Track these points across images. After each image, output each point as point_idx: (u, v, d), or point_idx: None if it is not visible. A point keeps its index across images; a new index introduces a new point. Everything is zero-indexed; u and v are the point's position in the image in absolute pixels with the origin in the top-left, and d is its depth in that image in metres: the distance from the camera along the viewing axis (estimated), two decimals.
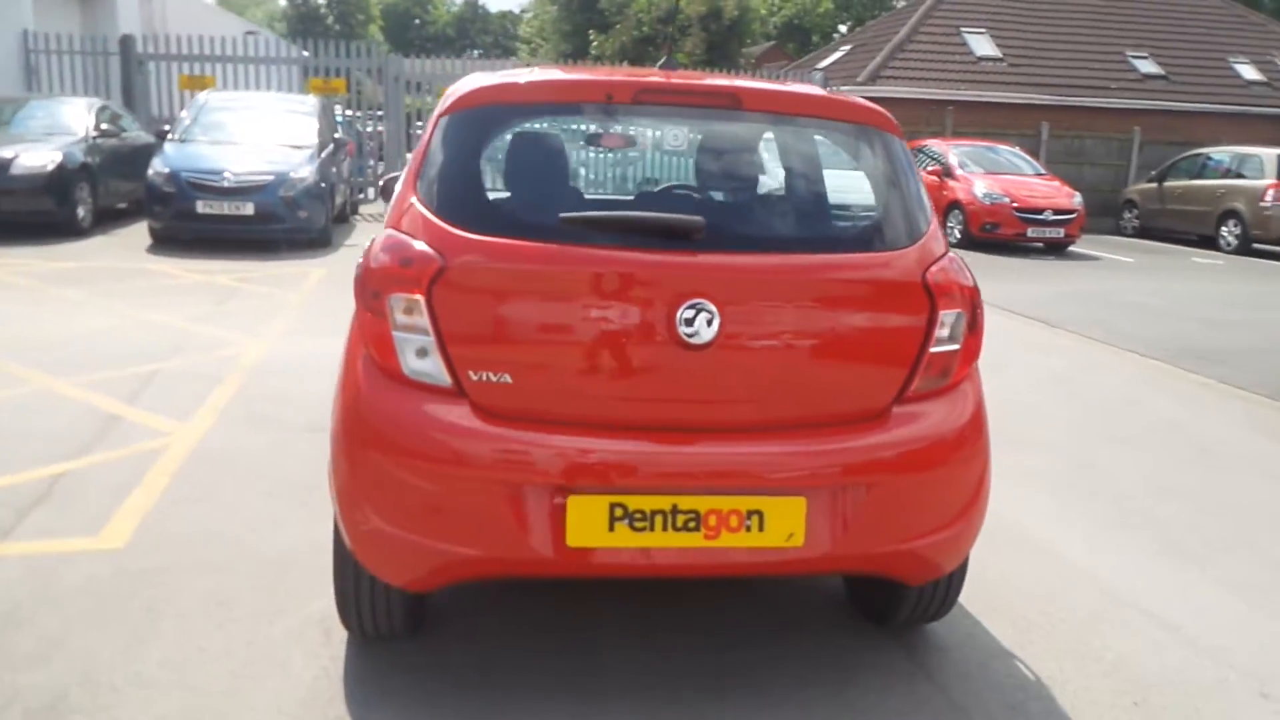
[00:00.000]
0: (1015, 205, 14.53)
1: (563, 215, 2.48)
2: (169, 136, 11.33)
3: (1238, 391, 6.75)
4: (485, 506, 2.41)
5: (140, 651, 2.83)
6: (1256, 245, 15.69)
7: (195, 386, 5.48)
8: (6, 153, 10.31)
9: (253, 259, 10.06)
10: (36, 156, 10.40)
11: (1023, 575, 3.58)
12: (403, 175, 2.76)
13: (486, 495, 2.41)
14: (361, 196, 15.73)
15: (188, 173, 10.35)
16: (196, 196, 10.27)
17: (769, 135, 2.78)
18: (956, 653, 3.07)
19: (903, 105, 17.94)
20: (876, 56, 20.95)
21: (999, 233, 14.54)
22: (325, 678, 2.74)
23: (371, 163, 16.88)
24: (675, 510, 2.44)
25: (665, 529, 2.44)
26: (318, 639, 2.94)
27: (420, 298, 2.41)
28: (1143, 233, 18.07)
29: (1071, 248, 15.09)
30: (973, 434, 2.69)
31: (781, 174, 2.79)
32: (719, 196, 2.84)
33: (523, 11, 63.76)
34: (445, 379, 2.43)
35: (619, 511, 2.42)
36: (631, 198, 2.77)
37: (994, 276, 10.84)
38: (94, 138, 11.49)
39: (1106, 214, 18.40)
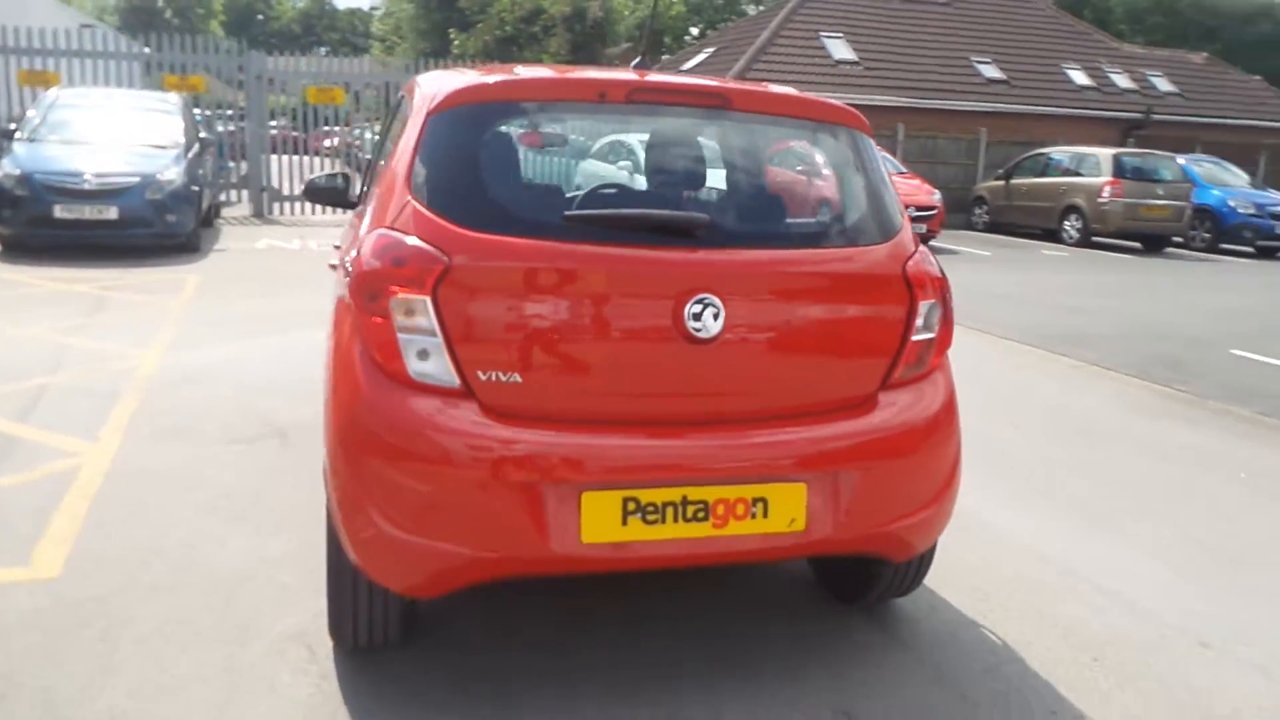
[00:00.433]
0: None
1: (568, 213, 2.47)
2: (15, 136, 10.53)
3: (1107, 373, 7.27)
4: (499, 507, 2.38)
5: (105, 684, 2.65)
6: (1095, 238, 16.89)
7: (91, 402, 5.14)
8: None
9: (117, 266, 9.47)
10: None
11: (966, 550, 3.77)
12: (389, 173, 2.68)
13: (500, 496, 2.38)
14: (224, 200, 15.02)
15: (42, 175, 9.64)
16: (53, 200, 9.58)
17: (757, 134, 2.85)
18: (926, 624, 3.22)
19: None
20: (740, 59, 21.44)
21: None
22: (319, 693, 2.64)
23: (230, 164, 16.15)
24: (685, 501, 2.47)
25: (676, 520, 2.47)
26: (301, 655, 2.82)
27: (426, 298, 2.36)
28: (992, 227, 19.16)
29: (933, 242, 15.86)
30: (948, 417, 2.83)
31: (779, 171, 2.86)
32: (715, 194, 2.89)
33: (373, 8, 62.16)
34: (453, 380, 2.38)
35: (631, 505, 2.44)
36: (628, 194, 2.78)
37: None
38: None
39: (959, 210, 19.41)
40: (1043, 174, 18.28)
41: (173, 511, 3.80)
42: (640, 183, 2.84)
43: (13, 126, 10.83)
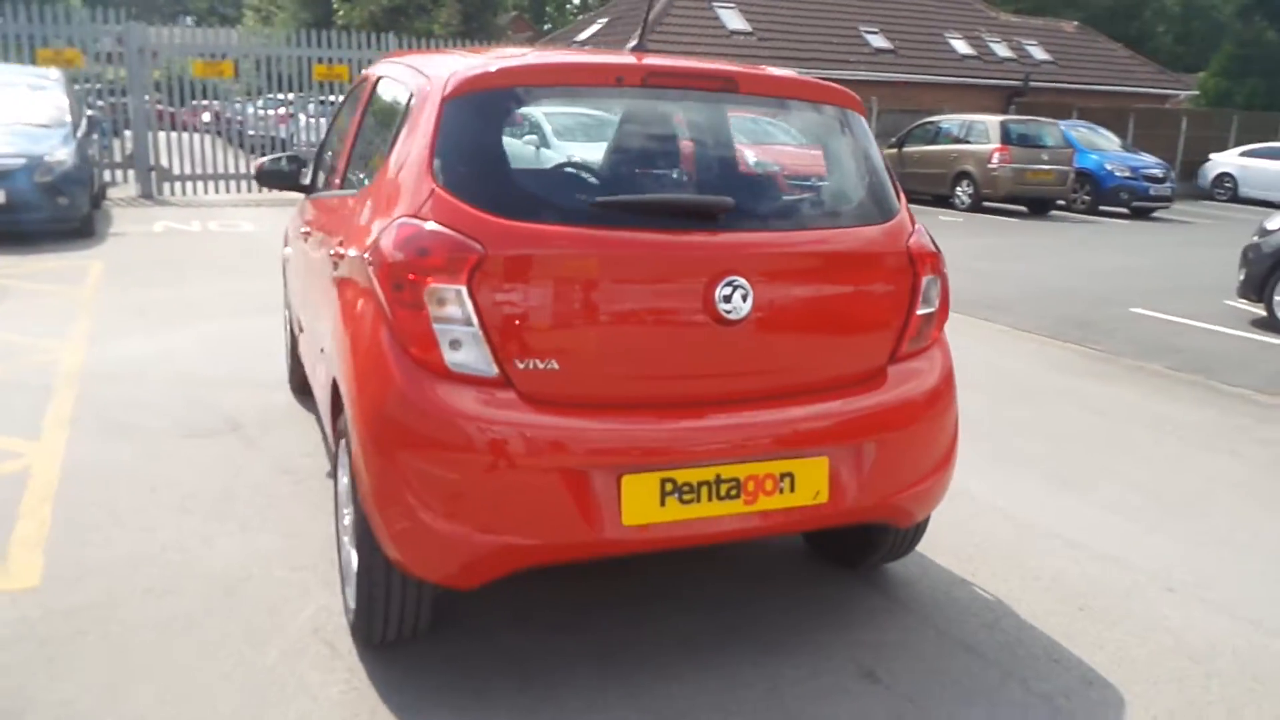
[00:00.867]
0: (787, 174, 15.42)
1: (599, 199, 2.47)
2: None
3: (1027, 335, 7.63)
4: (541, 494, 2.39)
5: (127, 693, 2.56)
6: (985, 203, 17.57)
7: (22, 398, 4.87)
8: None
9: (9, 254, 8.89)
10: None
11: (940, 513, 3.93)
12: (398, 159, 2.62)
13: (541, 483, 2.38)
14: (109, 180, 14.24)
15: None
16: None
17: (775, 116, 2.89)
18: (921, 585, 3.36)
19: None
20: (636, 31, 21.38)
21: None
22: (353, 691, 2.60)
23: (105, 142, 15.27)
24: (718, 480, 2.53)
25: (710, 499, 2.52)
26: (323, 652, 2.77)
27: (462, 288, 2.33)
28: None
29: None
30: (949, 388, 2.95)
31: (788, 153, 2.91)
32: (731, 175, 2.92)
33: None
34: (491, 369, 2.37)
35: (669, 486, 2.48)
36: (648, 178, 2.78)
37: None
38: None
39: None
40: (933, 142, 18.86)
41: (146, 512, 3.66)
42: (655, 165, 2.83)
43: None
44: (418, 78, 2.78)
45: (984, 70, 24.14)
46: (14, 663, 2.67)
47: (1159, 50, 34.62)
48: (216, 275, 8.47)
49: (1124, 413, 5.64)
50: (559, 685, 2.67)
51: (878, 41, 23.62)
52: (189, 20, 57.71)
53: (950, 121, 19.04)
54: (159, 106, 15.54)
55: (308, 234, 3.71)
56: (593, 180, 2.62)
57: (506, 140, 2.50)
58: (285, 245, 4.88)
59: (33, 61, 13.16)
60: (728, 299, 2.48)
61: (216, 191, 14.81)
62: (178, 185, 14.60)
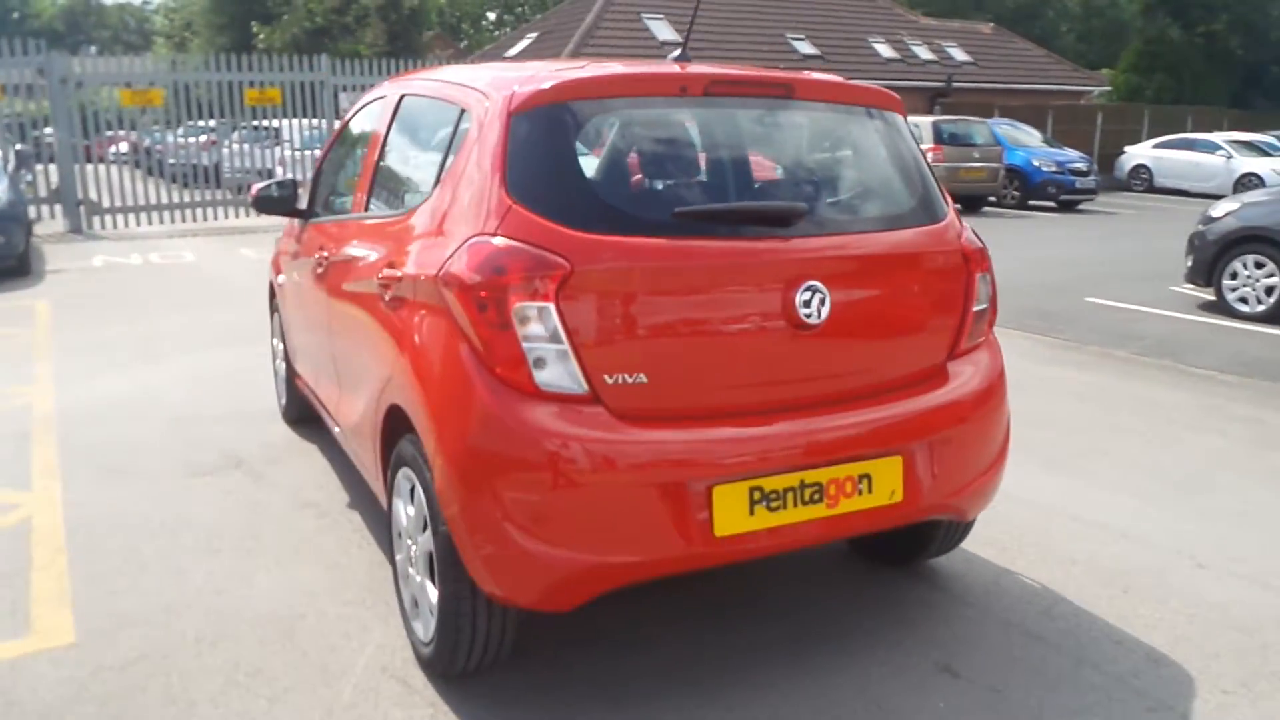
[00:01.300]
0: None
1: (678, 209, 2.46)
2: None
3: (995, 328, 7.79)
4: (637, 510, 2.36)
5: None
6: None
7: (1, 446, 4.65)
8: None
9: None
10: None
11: None
12: (458, 177, 2.57)
13: (637, 498, 2.36)
14: (34, 216, 13.69)
15: None
16: None
17: (822, 121, 2.91)
18: (969, 577, 3.41)
19: None
20: (568, 44, 21.42)
21: None
22: None
23: (30, 177, 14.69)
24: (803, 485, 2.53)
25: (796, 505, 2.52)
26: (397, 689, 2.69)
27: (550, 305, 2.30)
28: None
29: None
30: (1003, 382, 3.00)
31: (845, 157, 2.93)
32: (798, 181, 2.93)
33: (145, 3, 57.84)
34: (581, 386, 2.33)
35: (757, 495, 2.47)
36: (718, 186, 2.78)
37: None
38: None
39: None
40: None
41: (170, 555, 3.51)
42: (722, 173, 2.83)
43: None
44: (468, 93, 2.73)
45: (908, 73, 24.70)
46: None
47: (1063, 49, 35.93)
48: (172, 309, 8.21)
49: (1105, 397, 5.80)
50: (652, 704, 2.63)
51: (805, 48, 24.02)
52: (93, 50, 56.01)
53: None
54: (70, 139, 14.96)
55: (324, 260, 3.61)
56: (667, 190, 2.61)
57: (579, 153, 2.47)
58: (277, 275, 4.74)
59: None
60: (807, 304, 2.49)
61: (150, 223, 14.36)
62: (107, 218, 14.12)
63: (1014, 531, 3.77)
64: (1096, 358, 6.85)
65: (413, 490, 2.70)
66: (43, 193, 14.06)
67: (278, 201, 4.27)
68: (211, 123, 15.50)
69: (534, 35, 24.72)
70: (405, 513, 2.77)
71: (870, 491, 2.63)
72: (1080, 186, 18.72)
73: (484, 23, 52.57)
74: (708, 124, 2.76)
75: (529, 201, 2.39)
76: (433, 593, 2.61)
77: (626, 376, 2.37)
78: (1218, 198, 10.04)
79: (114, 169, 14.26)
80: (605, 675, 2.77)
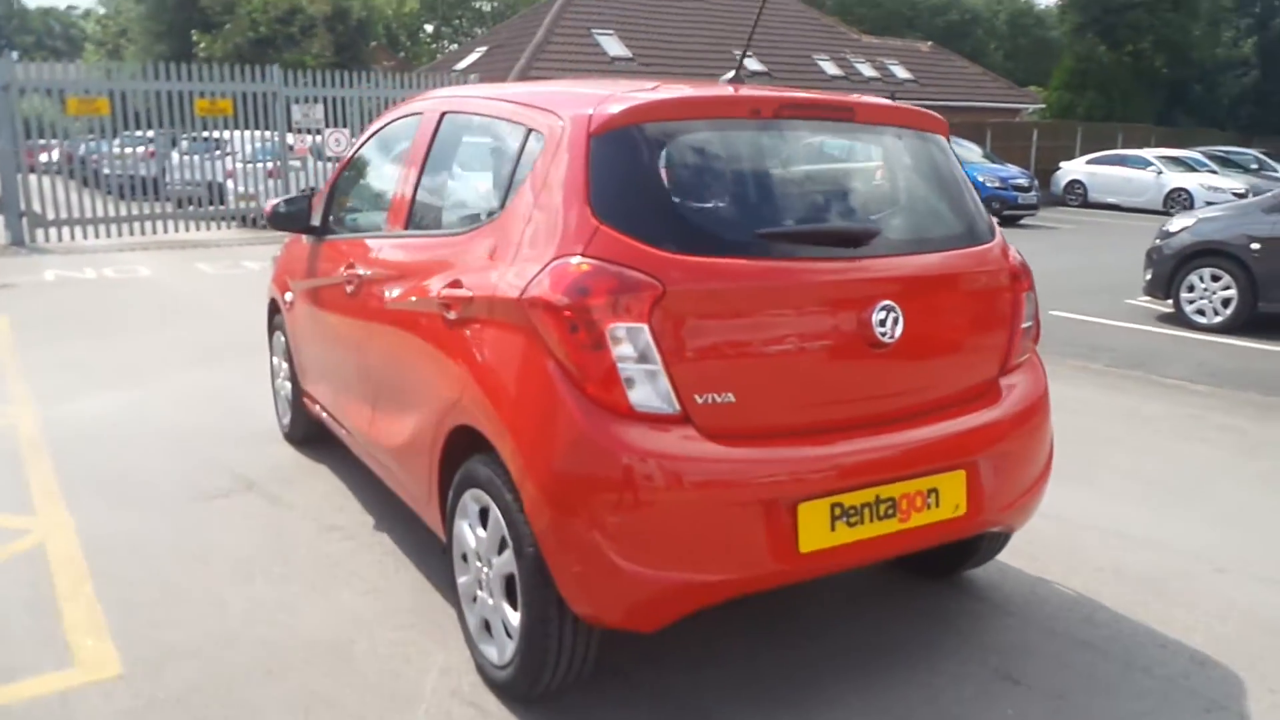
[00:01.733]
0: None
1: (761, 230, 2.49)
2: None
3: None
4: (726, 528, 2.38)
5: None
6: None
7: None
8: None
9: None
10: None
11: None
12: (533, 198, 2.56)
13: (727, 516, 2.38)
14: None
15: None
16: None
17: (884, 143, 2.97)
18: (1006, 587, 3.49)
19: None
20: (520, 59, 21.39)
21: None
22: None
23: None
24: (878, 500, 2.57)
25: (872, 520, 2.57)
26: (471, 714, 2.66)
27: (643, 325, 2.31)
28: None
29: None
30: (1048, 397, 3.09)
31: (904, 178, 2.99)
32: (867, 201, 2.98)
33: (70, 8, 56.14)
34: (673, 405, 2.35)
35: (838, 511, 2.51)
36: (795, 206, 2.82)
37: None
38: None
39: None
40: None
41: (203, 582, 3.42)
42: (793, 193, 2.87)
43: None
44: (535, 114, 2.73)
45: (852, 90, 25.16)
46: None
47: (992, 66, 36.97)
48: (140, 326, 7.99)
49: (1091, 410, 5.97)
50: (733, 715, 2.65)
51: (752, 65, 24.29)
52: (15, 55, 54.21)
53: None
54: None
55: (355, 278, 3.56)
56: (745, 211, 2.64)
57: (662, 174, 2.49)
58: (282, 293, 4.65)
59: None
60: (882, 322, 2.54)
61: (98, 236, 13.97)
62: (51, 231, 13.69)
63: (1036, 541, 3.86)
64: (1074, 370, 7.04)
65: (483, 512, 2.68)
66: None
67: (293, 217, 4.21)
68: (150, 133, 15.13)
69: (484, 49, 24.63)
70: (474, 535, 2.74)
71: (938, 505, 2.68)
72: (1023, 202, 19.23)
73: (421, 35, 52.15)
74: (778, 146, 2.81)
75: (616, 223, 2.40)
76: (512, 615, 2.59)
77: (715, 396, 2.39)
78: (1150, 212, 10.47)
79: (46, 179, 13.82)
80: (677, 693, 2.78)
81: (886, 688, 2.82)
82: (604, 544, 2.31)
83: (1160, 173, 21.73)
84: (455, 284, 2.77)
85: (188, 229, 14.96)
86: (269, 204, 4.25)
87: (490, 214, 2.81)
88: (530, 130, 2.73)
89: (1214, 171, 21.91)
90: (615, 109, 2.51)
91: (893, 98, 16.71)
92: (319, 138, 16.35)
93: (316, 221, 4.25)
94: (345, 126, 16.70)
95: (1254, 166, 24.09)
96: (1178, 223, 8.92)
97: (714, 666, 2.92)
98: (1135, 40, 31.25)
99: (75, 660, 2.92)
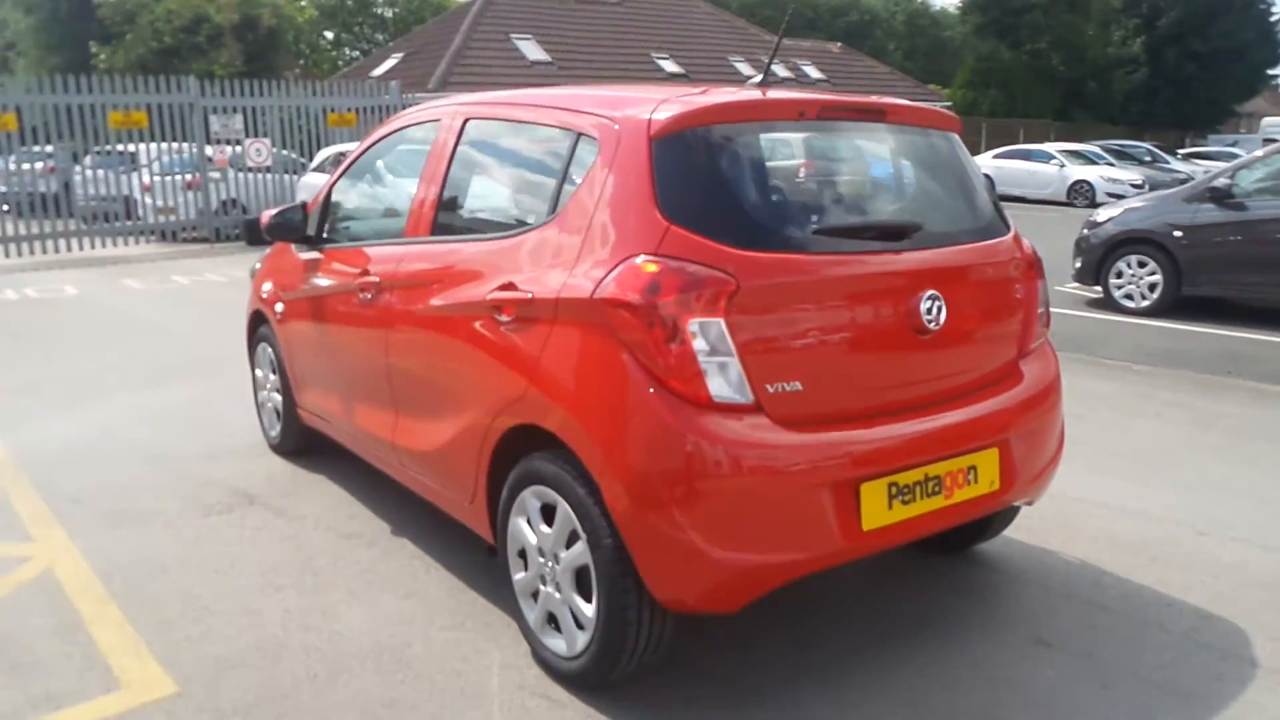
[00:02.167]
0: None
1: (819, 226, 2.61)
2: None
3: None
4: (799, 510, 2.49)
5: None
6: None
7: None
8: None
9: None
10: None
11: None
12: (593, 200, 2.63)
13: (800, 499, 2.49)
14: None
15: None
16: None
17: (913, 142, 3.11)
18: (1016, 559, 3.68)
19: None
20: (439, 64, 21.22)
21: None
22: None
23: None
24: (927, 479, 2.72)
25: (922, 497, 2.71)
26: (545, 705, 2.71)
27: (721, 320, 2.41)
28: None
29: None
30: (1060, 377, 3.28)
31: (932, 174, 3.13)
32: (905, 197, 3.11)
33: None
34: (748, 396, 2.45)
35: (893, 490, 2.64)
36: (844, 202, 2.95)
37: None
38: None
39: None
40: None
41: (232, 595, 3.38)
42: (835, 190, 3.00)
43: None
44: (584, 119, 2.80)
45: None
46: None
47: (891, 66, 38.14)
48: (83, 346, 7.73)
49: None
50: (793, 694, 2.76)
51: (670, 66, 24.58)
52: None
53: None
54: None
55: (373, 285, 3.55)
56: (801, 208, 2.75)
57: (724, 174, 2.59)
58: (273, 304, 4.60)
59: None
60: (929, 310, 2.68)
61: (7, 256, 13.40)
62: None
63: (1034, 515, 4.06)
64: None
65: (545, 509, 2.74)
66: None
67: (290, 228, 4.18)
68: (49, 147, 14.58)
69: (399, 56, 24.33)
70: (536, 531, 2.80)
71: (976, 481, 2.84)
72: None
73: (322, 42, 50.95)
74: (823, 145, 2.93)
75: (685, 222, 2.48)
76: (585, 606, 2.65)
77: (785, 385, 2.50)
78: (1054, 203, 10.97)
79: None
80: (734, 674, 2.87)
81: (935, 656, 2.97)
82: (690, 530, 2.39)
83: (1063, 166, 22.68)
84: (507, 286, 2.82)
85: (102, 245, 14.46)
86: (264, 214, 4.21)
87: (539, 218, 2.86)
88: (580, 135, 2.79)
89: (1111, 164, 22.98)
90: (673, 113, 2.60)
91: None
92: (239, 149, 15.98)
93: (311, 231, 4.23)
94: (265, 136, 16.36)
95: (1147, 159, 25.32)
96: (1104, 213, 9.39)
97: (763, 649, 3.02)
98: (1033, 40, 32.61)
99: (124, 682, 2.87)
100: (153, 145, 15.42)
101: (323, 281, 4.09)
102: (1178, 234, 8.59)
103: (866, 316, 2.64)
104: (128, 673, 2.92)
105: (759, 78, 3.14)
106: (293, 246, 4.44)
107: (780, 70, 26.61)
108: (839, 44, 31.08)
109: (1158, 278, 8.72)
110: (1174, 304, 8.67)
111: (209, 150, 15.74)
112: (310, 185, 15.33)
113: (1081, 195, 21.59)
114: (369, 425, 3.80)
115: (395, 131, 3.93)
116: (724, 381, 2.42)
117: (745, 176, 2.66)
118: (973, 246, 2.95)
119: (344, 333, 3.90)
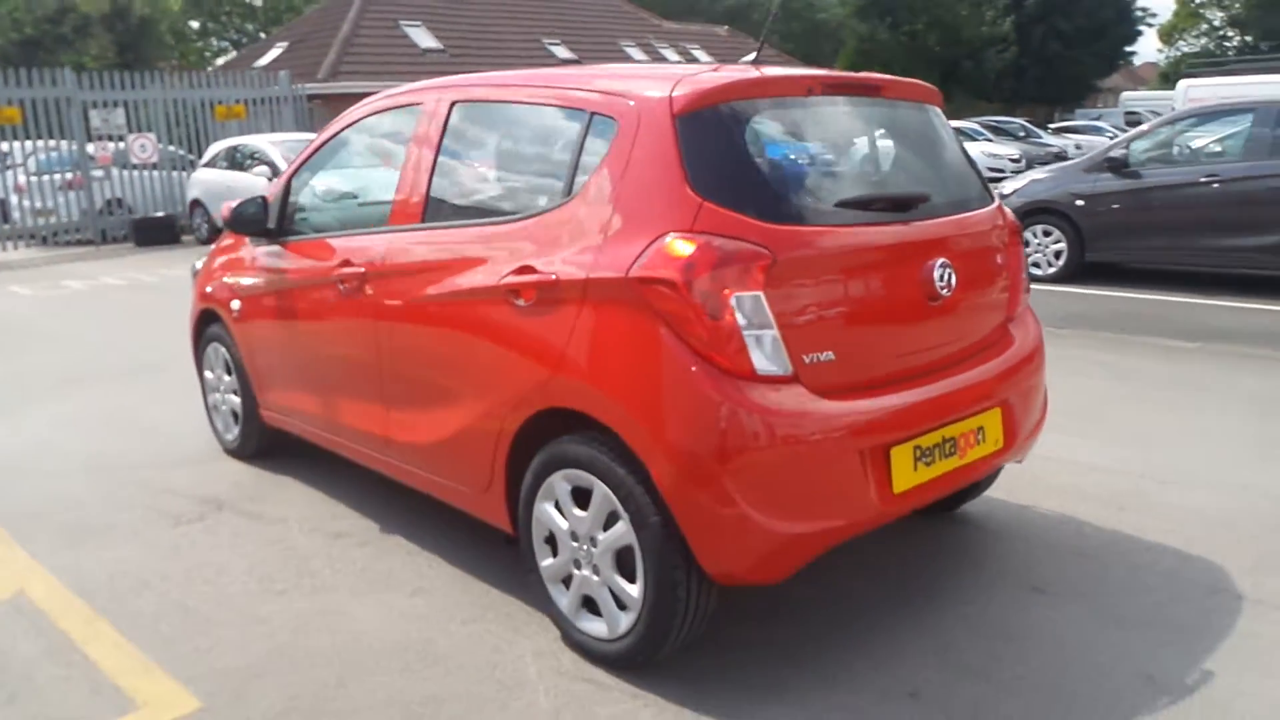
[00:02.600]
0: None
1: (841, 199, 2.66)
2: None
3: None
4: (843, 476, 2.55)
5: None
6: None
7: None
8: None
9: None
10: None
11: None
12: (616, 180, 2.62)
13: (844, 466, 2.55)
14: None
15: None
16: None
17: (908, 116, 3.17)
18: (998, 515, 3.84)
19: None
20: (329, 53, 20.59)
21: None
22: (666, 713, 2.59)
23: None
24: (944, 440, 2.82)
25: (940, 458, 2.81)
26: (589, 689, 2.71)
27: (760, 293, 2.44)
28: None
29: None
30: (1043, 338, 3.43)
31: (925, 146, 3.21)
32: (908, 169, 3.17)
33: None
34: (788, 367, 2.49)
35: (918, 452, 2.73)
36: (858, 175, 3.01)
37: None
38: None
39: None
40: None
41: (231, 603, 3.26)
42: (846, 164, 3.05)
43: None
44: (596, 99, 2.78)
45: None
46: None
47: (777, 49, 38.78)
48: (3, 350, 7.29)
49: None
50: (837, 657, 2.83)
51: (562, 53, 24.43)
52: None
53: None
54: None
55: (357, 275, 3.45)
56: (822, 181, 2.79)
57: (749, 150, 2.62)
58: (230, 301, 4.41)
59: None
60: (942, 278, 2.78)
61: None
62: None
63: (1008, 476, 4.24)
64: None
65: (577, 492, 2.73)
66: None
67: (254, 220, 4.03)
68: None
69: (284, 45, 23.48)
70: (568, 515, 2.78)
71: (984, 441, 2.96)
72: None
73: (187, 31, 48.66)
74: (831, 120, 2.98)
75: (718, 198, 2.50)
76: (629, 587, 2.65)
77: (819, 355, 2.55)
78: None
79: None
80: (757, 642, 2.92)
81: (944, 609, 3.09)
82: (742, 503, 2.42)
83: None
84: (524, 270, 2.79)
85: None
86: (227, 206, 4.04)
87: (552, 200, 2.84)
88: (593, 114, 2.77)
89: (990, 140, 23.92)
90: (695, 90, 2.61)
91: None
92: (122, 145, 15.22)
93: (272, 224, 4.08)
94: (150, 131, 15.63)
95: (1021, 134, 26.44)
96: (1010, 185, 9.79)
97: (783, 619, 3.09)
98: (911, 21, 33.65)
99: (139, 702, 2.74)
100: (26, 143, 14.56)
101: (289, 275, 3.96)
102: (1080, 203, 9.03)
103: (887, 285, 2.72)
104: (140, 692, 2.79)
105: (752, 56, 3.18)
106: (247, 241, 4.28)
107: (670, 54, 26.78)
108: (726, 27, 31.44)
109: (1063, 245, 9.15)
110: (1079, 270, 9.12)
111: (90, 147, 14.95)
112: (202, 182, 14.76)
113: None
114: (353, 420, 3.70)
115: (360, 119, 3.82)
116: (765, 354, 2.46)
117: (768, 151, 2.70)
118: (969, 215, 3.06)
119: (320, 327, 3.79)
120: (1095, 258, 9.05)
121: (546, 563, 2.91)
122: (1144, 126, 9.58)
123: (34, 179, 14.56)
